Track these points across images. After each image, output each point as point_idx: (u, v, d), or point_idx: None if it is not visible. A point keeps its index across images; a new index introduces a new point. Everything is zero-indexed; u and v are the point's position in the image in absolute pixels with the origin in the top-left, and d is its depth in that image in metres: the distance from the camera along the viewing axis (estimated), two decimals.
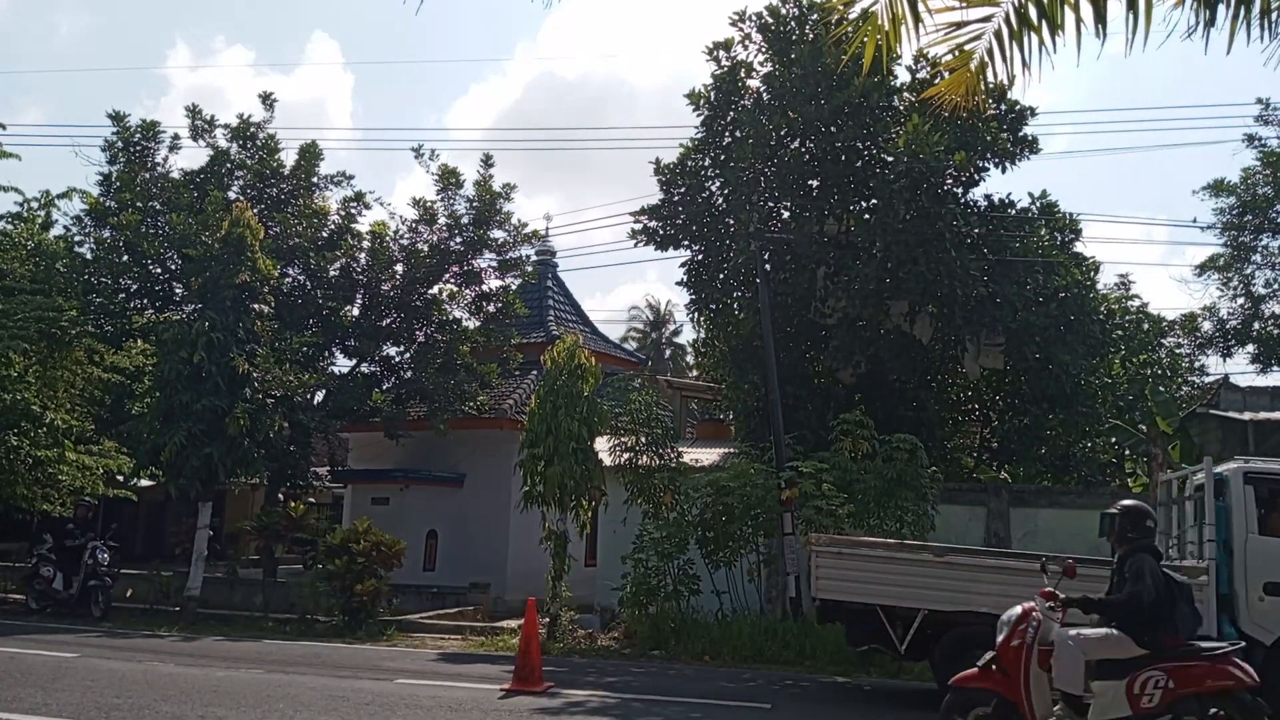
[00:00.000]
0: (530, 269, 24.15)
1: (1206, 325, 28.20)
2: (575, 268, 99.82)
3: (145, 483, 20.09)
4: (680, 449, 17.07)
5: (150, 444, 16.92)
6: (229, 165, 22.89)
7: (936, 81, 16.40)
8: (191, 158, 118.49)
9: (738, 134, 18.76)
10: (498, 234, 22.72)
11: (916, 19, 3.96)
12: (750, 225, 17.46)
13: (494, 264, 23.00)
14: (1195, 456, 17.92)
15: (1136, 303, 23.35)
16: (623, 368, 25.59)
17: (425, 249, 22.26)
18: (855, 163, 18.11)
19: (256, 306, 17.89)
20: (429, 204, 22.43)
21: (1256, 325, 27.87)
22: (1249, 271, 27.94)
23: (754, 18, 18.61)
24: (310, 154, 22.97)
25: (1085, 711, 6.62)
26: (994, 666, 6.93)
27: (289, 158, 23.04)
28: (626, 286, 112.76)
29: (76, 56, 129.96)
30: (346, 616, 15.94)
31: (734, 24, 18.79)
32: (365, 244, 22.53)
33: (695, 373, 33.74)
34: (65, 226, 21.93)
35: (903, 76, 18.56)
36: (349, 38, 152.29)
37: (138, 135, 22.60)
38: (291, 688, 9.79)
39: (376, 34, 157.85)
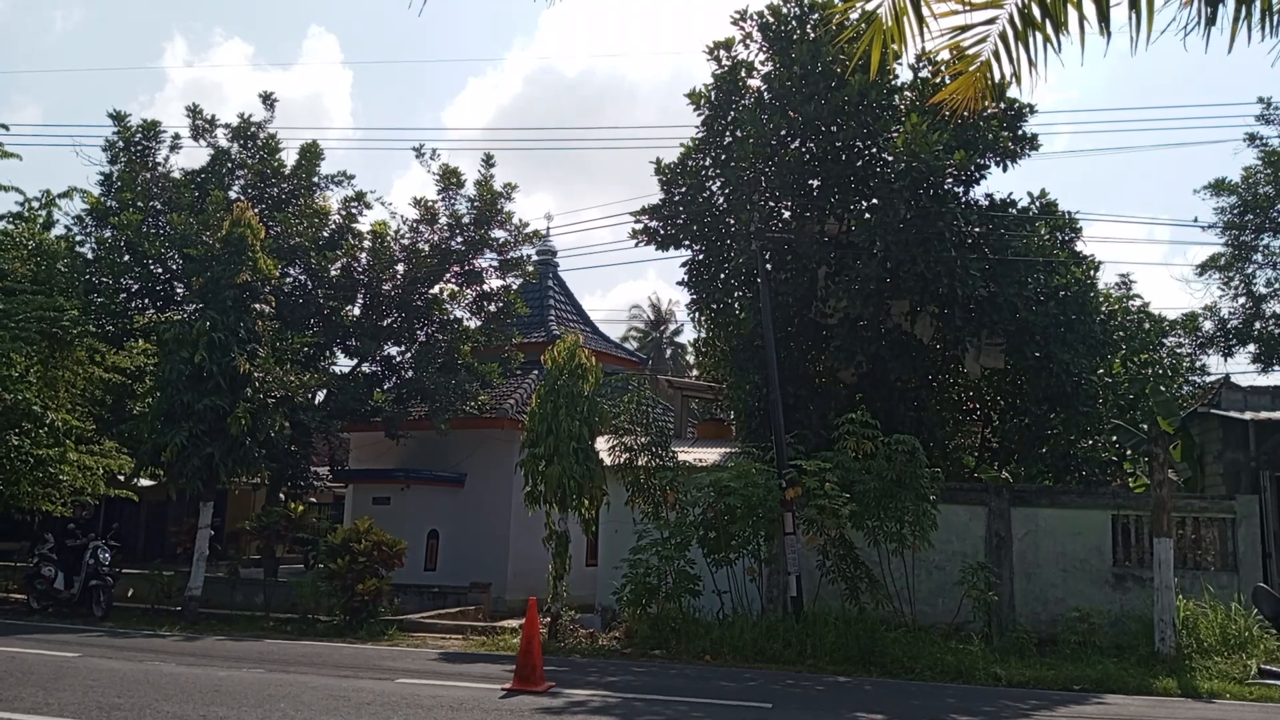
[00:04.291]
0: (531, 269, 24.16)
1: (1207, 325, 28.26)
2: (575, 267, 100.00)
3: (146, 483, 20.10)
4: (677, 449, 17.07)
5: (151, 444, 16.92)
6: (230, 165, 22.91)
7: (939, 80, 16.40)
8: (192, 157, 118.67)
9: (738, 134, 18.73)
10: (499, 234, 22.76)
11: (920, 20, 3.96)
12: (751, 225, 17.45)
13: (495, 264, 23.04)
14: (1196, 456, 17.96)
15: (1137, 302, 23.33)
16: (623, 367, 25.61)
17: (426, 249, 22.27)
18: (856, 162, 18.09)
19: (258, 306, 17.89)
20: (430, 203, 22.47)
21: (1257, 325, 27.92)
22: (1250, 271, 28.01)
23: (755, 17, 18.58)
24: (311, 154, 23.00)
25: None
26: None
27: (290, 157, 23.10)
28: (627, 285, 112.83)
29: (73, 52, 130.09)
30: (348, 616, 15.95)
31: (735, 23, 18.75)
32: (366, 243, 22.55)
33: (696, 372, 33.74)
34: (66, 226, 22.01)
35: (904, 75, 18.55)
36: (346, 32, 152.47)
37: (138, 135, 22.63)
38: (293, 687, 9.80)
39: (374, 28, 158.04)
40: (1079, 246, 18.61)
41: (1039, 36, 3.92)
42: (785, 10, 18.41)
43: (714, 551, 14.90)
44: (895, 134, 17.08)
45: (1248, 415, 16.91)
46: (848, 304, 17.03)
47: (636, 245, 20.11)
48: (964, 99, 4.28)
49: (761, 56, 18.78)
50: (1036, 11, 3.84)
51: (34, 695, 8.81)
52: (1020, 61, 3.99)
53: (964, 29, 4.06)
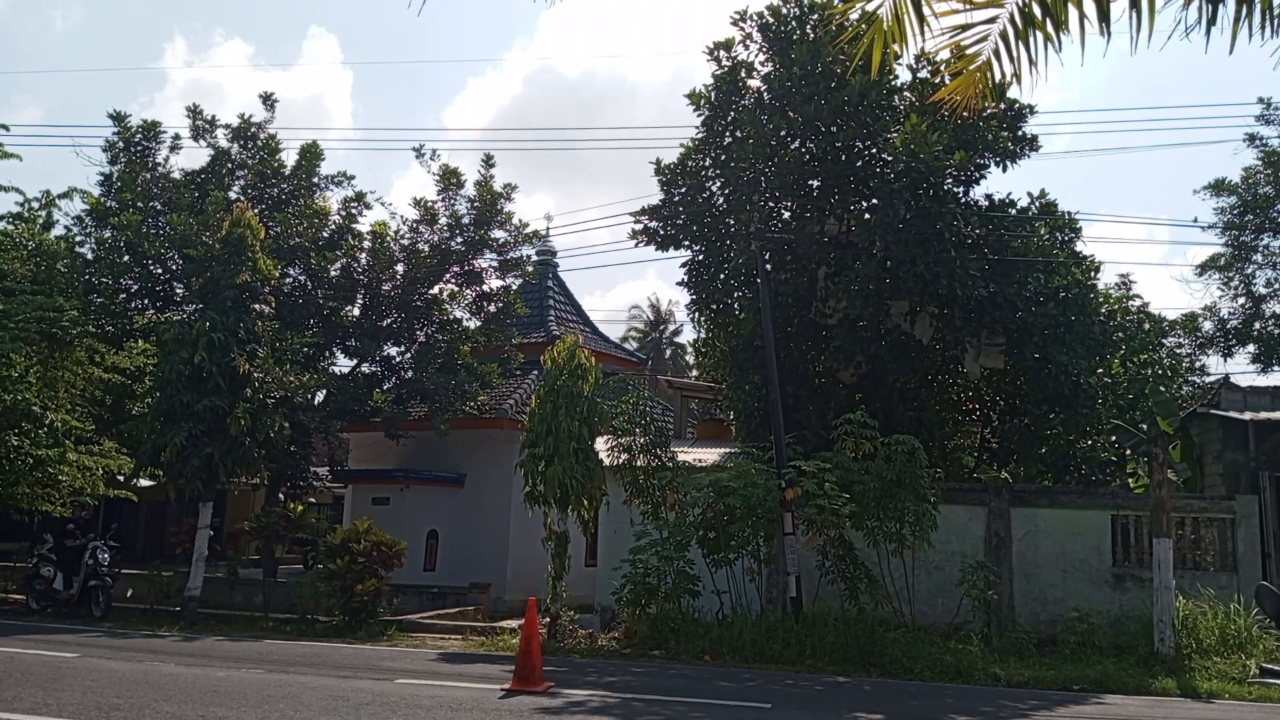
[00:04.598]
0: (531, 269, 24.15)
1: (1207, 325, 28.24)
2: (575, 267, 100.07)
3: (146, 483, 20.09)
4: (677, 449, 17.06)
5: (151, 444, 16.92)
6: (230, 165, 22.91)
7: (938, 80, 16.39)
8: (192, 157, 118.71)
9: (738, 134, 18.74)
10: (498, 234, 22.76)
11: (921, 20, 3.95)
12: (751, 225, 17.45)
13: (495, 264, 23.03)
14: (1196, 456, 17.96)
15: (1137, 302, 23.32)
16: (623, 367, 25.61)
17: (426, 249, 22.27)
18: (855, 163, 18.09)
19: (257, 306, 17.89)
20: (430, 204, 22.47)
21: (1257, 325, 27.90)
22: (1250, 271, 27.99)
23: (755, 17, 18.58)
24: (311, 154, 22.99)
25: None
26: None
27: (290, 158, 23.09)
28: (626, 285, 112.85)
29: (73, 52, 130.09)
30: (347, 616, 15.94)
31: (735, 24, 18.76)
32: (366, 244, 22.55)
33: (696, 373, 33.75)
34: (66, 227, 21.99)
35: (903, 76, 18.56)
36: (346, 32, 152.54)
37: (138, 135, 22.62)
38: (292, 688, 9.79)
39: (374, 28, 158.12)
40: (1079, 247, 18.62)
41: (1039, 36, 3.92)
42: (785, 11, 18.41)
43: (713, 552, 14.90)
44: (895, 134, 17.08)
45: (1247, 415, 16.91)
46: (847, 304, 17.03)
47: (636, 245, 20.13)
48: (964, 98, 4.28)
49: (761, 57, 18.79)
50: (1037, 10, 3.84)
51: (33, 695, 8.80)
52: (1021, 61, 3.98)
53: (964, 28, 4.05)
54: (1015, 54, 3.98)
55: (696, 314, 20.36)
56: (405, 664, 12.44)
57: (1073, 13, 3.81)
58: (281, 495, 22.20)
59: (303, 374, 19.28)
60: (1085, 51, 3.99)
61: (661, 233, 19.54)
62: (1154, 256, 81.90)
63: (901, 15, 3.96)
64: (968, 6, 4.00)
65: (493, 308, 22.94)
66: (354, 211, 22.92)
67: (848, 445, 14.88)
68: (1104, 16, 3.78)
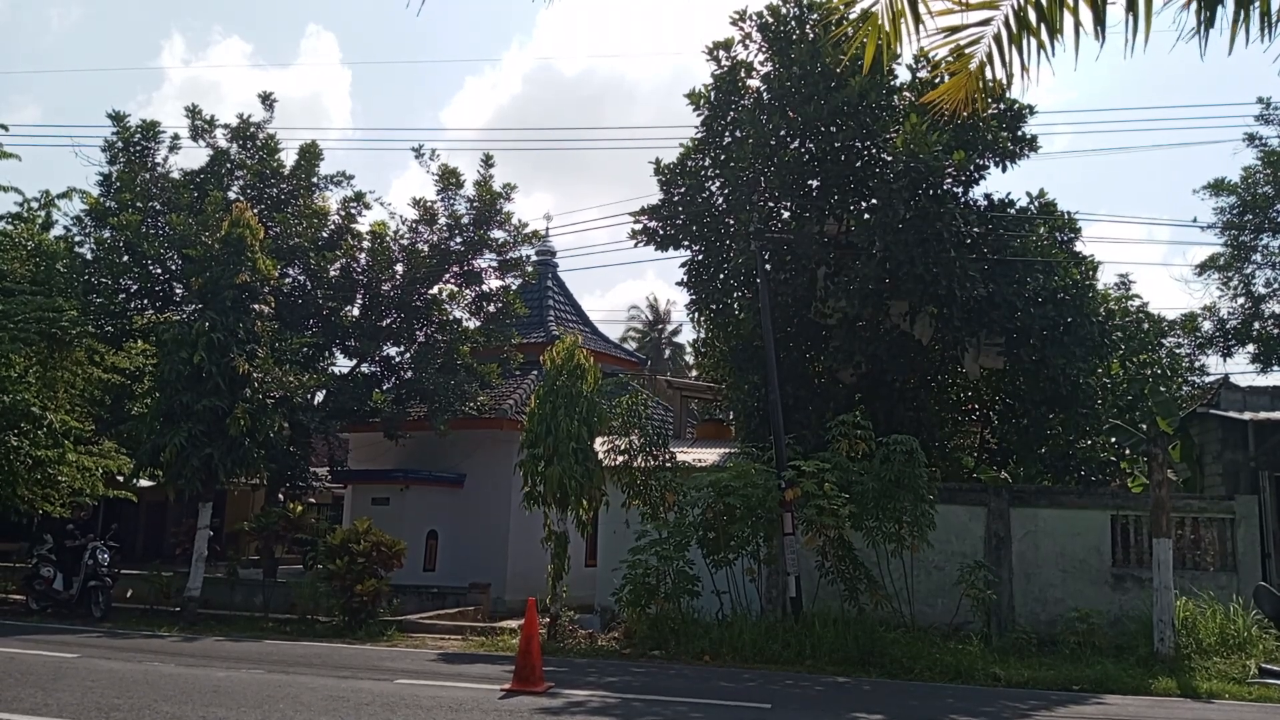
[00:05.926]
0: (530, 269, 24.15)
1: (1207, 325, 28.24)
2: (575, 267, 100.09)
3: (145, 483, 20.08)
4: (677, 449, 17.07)
5: (150, 444, 16.92)
6: (229, 165, 22.91)
7: (937, 80, 16.40)
8: (191, 157, 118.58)
9: (738, 134, 18.74)
10: (498, 234, 22.77)
11: (917, 18, 3.95)
12: (750, 225, 17.46)
13: (494, 264, 23.03)
14: (1195, 456, 17.95)
15: (1137, 302, 23.33)
16: (622, 367, 25.62)
17: (425, 249, 22.27)
18: (855, 163, 18.10)
19: (257, 307, 17.89)
20: (429, 204, 22.48)
21: (1256, 325, 27.90)
22: (1249, 271, 27.99)
23: (754, 17, 18.58)
24: (310, 154, 23.00)
25: None
26: None
27: (289, 158, 23.10)
28: (626, 285, 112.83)
29: (71, 51, 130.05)
30: (347, 617, 15.95)
31: (734, 23, 18.77)
32: (365, 244, 22.55)
33: (695, 373, 33.74)
34: (65, 227, 22.03)
35: (903, 76, 18.57)
36: (345, 31, 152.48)
37: (137, 135, 22.63)
38: (292, 688, 9.79)
39: (373, 27, 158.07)
40: (1078, 247, 18.61)
41: (1033, 41, 3.91)
42: (784, 11, 18.41)
43: (713, 552, 14.90)
44: (894, 134, 17.09)
45: (1247, 415, 16.91)
46: (847, 304, 17.04)
47: (636, 245, 20.14)
48: (956, 100, 4.27)
49: (761, 57, 18.79)
50: (1032, 15, 3.83)
51: (33, 696, 8.81)
52: (1014, 64, 3.98)
53: (957, 29, 4.05)
54: (1008, 58, 3.98)
55: (696, 314, 20.36)
56: (405, 664, 12.45)
57: (1067, 18, 3.81)
58: (281, 496, 22.21)
59: (302, 374, 19.28)
60: (1080, 56, 3.98)
61: (661, 233, 19.55)
62: (1154, 256, 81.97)
63: (898, 15, 3.96)
64: (962, 8, 3.99)
65: (492, 308, 22.94)
66: (353, 211, 22.94)
67: (841, 446, 14.89)
68: (1099, 21, 3.77)
